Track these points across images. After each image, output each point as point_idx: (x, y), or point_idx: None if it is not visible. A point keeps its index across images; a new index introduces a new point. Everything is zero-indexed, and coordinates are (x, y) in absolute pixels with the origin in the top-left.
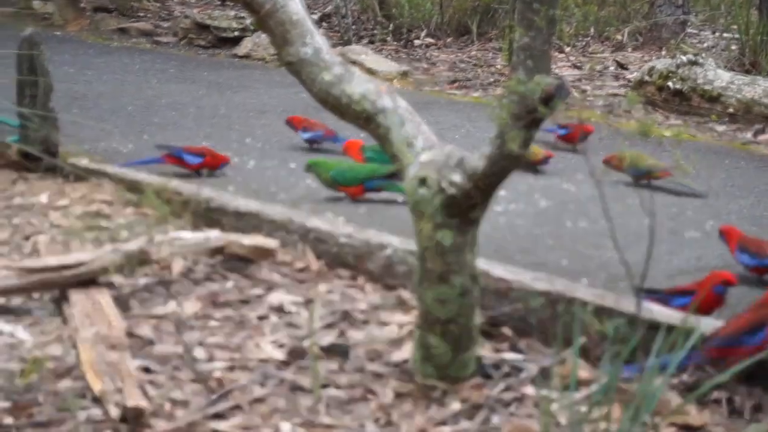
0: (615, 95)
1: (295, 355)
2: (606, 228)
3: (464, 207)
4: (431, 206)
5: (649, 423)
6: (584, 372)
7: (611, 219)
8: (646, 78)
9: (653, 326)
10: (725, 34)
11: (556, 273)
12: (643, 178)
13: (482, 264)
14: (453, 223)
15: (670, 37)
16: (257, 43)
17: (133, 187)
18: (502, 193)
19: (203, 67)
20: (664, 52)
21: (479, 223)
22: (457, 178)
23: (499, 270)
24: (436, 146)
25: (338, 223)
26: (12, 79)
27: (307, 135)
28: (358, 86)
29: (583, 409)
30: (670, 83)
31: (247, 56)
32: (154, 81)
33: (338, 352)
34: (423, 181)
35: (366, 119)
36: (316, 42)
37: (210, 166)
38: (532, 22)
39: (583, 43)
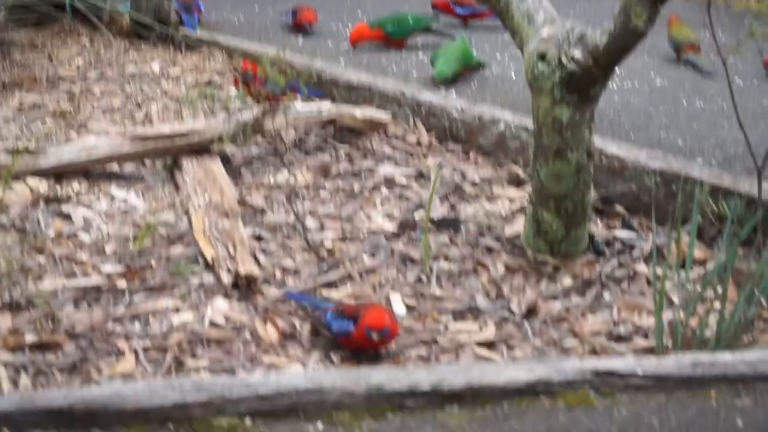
0: None
1: (406, 226)
2: (723, 107)
3: (584, 83)
4: (550, 82)
5: (765, 304)
6: (698, 251)
7: (734, 98)
8: None
9: None
10: None
11: (671, 152)
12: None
13: (597, 141)
14: (572, 100)
15: None
16: None
17: (246, 57)
18: (616, 70)
19: None
20: None
21: (598, 100)
22: (578, 53)
23: (613, 148)
24: (556, 21)
25: (450, 97)
26: None
27: None
28: None
29: (697, 288)
30: None
31: None
32: None
33: (449, 225)
34: (542, 57)
35: None
36: None
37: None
38: None
39: None
